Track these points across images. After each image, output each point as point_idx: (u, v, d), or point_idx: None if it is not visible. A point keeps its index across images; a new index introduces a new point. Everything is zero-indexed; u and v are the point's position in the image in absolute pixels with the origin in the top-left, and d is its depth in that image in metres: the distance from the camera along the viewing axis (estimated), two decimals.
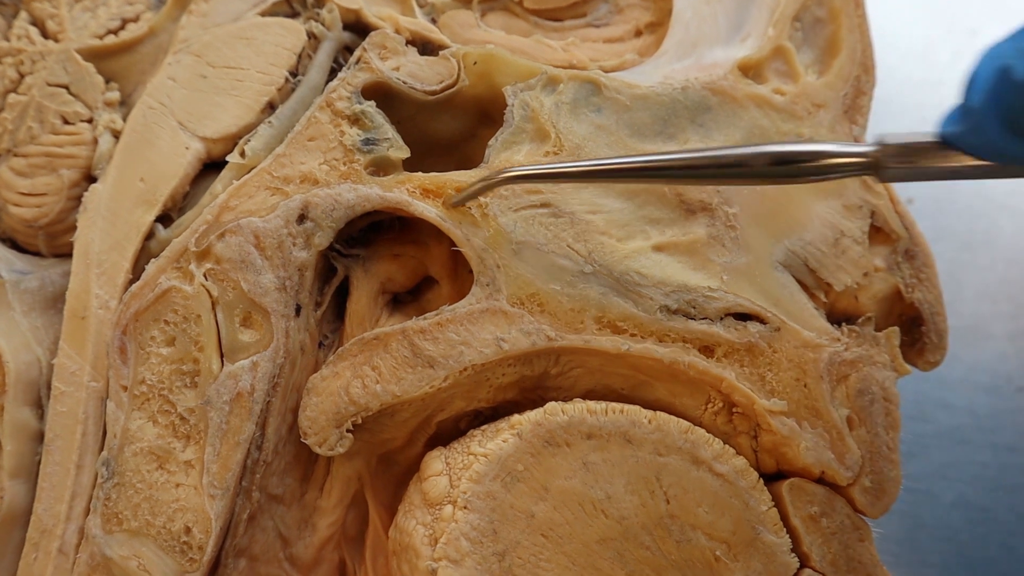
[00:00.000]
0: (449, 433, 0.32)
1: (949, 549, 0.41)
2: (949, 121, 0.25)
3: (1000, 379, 0.44)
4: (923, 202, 0.46)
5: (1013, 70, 0.23)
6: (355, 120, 0.32)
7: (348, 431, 0.30)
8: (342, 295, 0.32)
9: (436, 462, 0.30)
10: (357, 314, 0.32)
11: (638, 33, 0.36)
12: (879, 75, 0.48)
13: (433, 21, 0.35)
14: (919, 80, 0.48)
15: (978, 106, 0.24)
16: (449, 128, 0.34)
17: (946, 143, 0.25)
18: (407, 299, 0.33)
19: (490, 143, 0.32)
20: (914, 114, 0.48)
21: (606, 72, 0.34)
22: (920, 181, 0.28)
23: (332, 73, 0.34)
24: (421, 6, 0.35)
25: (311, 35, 0.34)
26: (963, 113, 0.24)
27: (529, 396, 0.31)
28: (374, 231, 0.33)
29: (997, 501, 0.42)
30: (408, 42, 0.34)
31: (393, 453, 0.32)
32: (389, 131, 0.32)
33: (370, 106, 0.32)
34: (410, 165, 0.33)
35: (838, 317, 0.32)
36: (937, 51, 0.49)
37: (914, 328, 0.33)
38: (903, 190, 0.47)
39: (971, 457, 0.43)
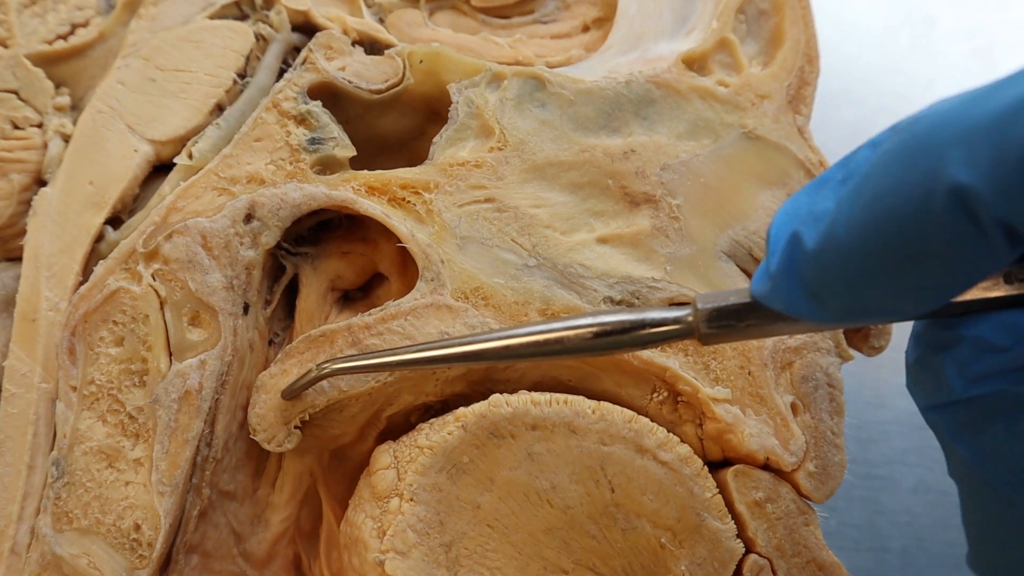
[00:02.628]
0: (400, 427, 0.32)
1: (909, 534, 0.42)
2: (757, 279, 0.24)
3: None
4: None
5: (803, 238, 0.22)
6: (301, 120, 0.32)
7: (296, 427, 0.30)
8: (293, 293, 0.33)
9: (384, 456, 0.30)
10: (306, 311, 0.32)
11: (585, 28, 0.37)
12: (837, 63, 0.49)
13: (381, 21, 0.36)
14: (877, 68, 0.49)
15: (775, 271, 0.23)
16: (398, 126, 0.34)
17: (756, 303, 0.24)
18: (357, 296, 0.33)
19: (435, 140, 0.32)
20: (872, 102, 0.48)
21: (552, 68, 0.35)
22: (740, 341, 0.28)
23: (281, 74, 0.34)
24: (369, 6, 0.36)
25: (259, 37, 0.34)
26: (766, 274, 0.24)
27: (478, 389, 0.32)
28: (323, 229, 0.33)
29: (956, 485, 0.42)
30: (356, 42, 0.34)
31: (345, 448, 0.32)
32: (335, 130, 0.32)
33: (316, 106, 0.32)
34: (360, 163, 0.34)
35: None
36: (895, 39, 0.49)
37: None
38: None
39: (931, 442, 0.42)
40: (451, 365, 0.29)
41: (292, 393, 0.30)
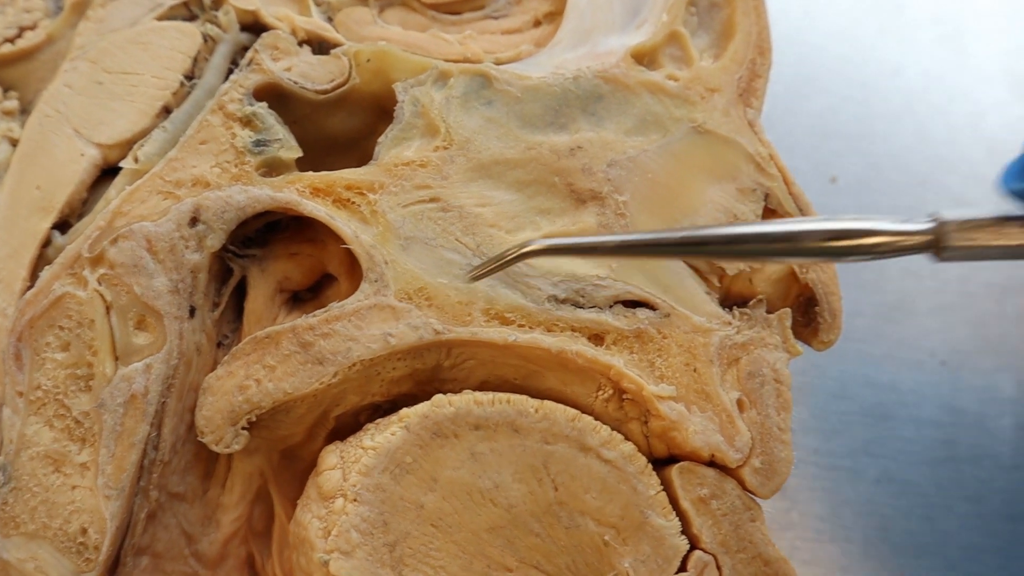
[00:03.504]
0: (349, 427, 0.32)
1: (872, 524, 0.42)
2: (1012, 176, 0.22)
3: (923, 354, 0.44)
4: (847, 180, 0.46)
5: None
6: (246, 122, 0.32)
7: (244, 428, 0.30)
8: (242, 295, 0.33)
9: (331, 456, 0.30)
10: (254, 313, 0.32)
11: (536, 23, 0.36)
12: (804, 52, 0.49)
13: (330, 20, 0.35)
14: (844, 56, 0.48)
15: None
16: (347, 125, 0.34)
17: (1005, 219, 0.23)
18: (307, 297, 0.34)
19: (380, 140, 0.32)
20: (840, 90, 0.48)
21: (502, 64, 0.35)
22: (983, 260, 0.27)
23: (230, 75, 0.34)
24: (318, 4, 0.36)
25: (207, 38, 0.34)
26: None
27: (425, 389, 0.32)
28: (272, 231, 0.33)
29: (920, 475, 0.42)
30: (304, 42, 0.34)
31: (295, 448, 0.32)
32: (280, 131, 0.32)
33: (261, 107, 0.32)
34: (310, 163, 0.34)
35: (733, 300, 0.33)
36: (862, 26, 0.49)
37: (809, 308, 0.33)
38: (826, 167, 0.47)
39: (894, 432, 0.43)
40: (666, 255, 0.28)
41: (484, 274, 0.29)
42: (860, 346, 0.44)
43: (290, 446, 0.32)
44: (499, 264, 0.29)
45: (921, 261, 0.45)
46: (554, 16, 0.36)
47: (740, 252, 0.27)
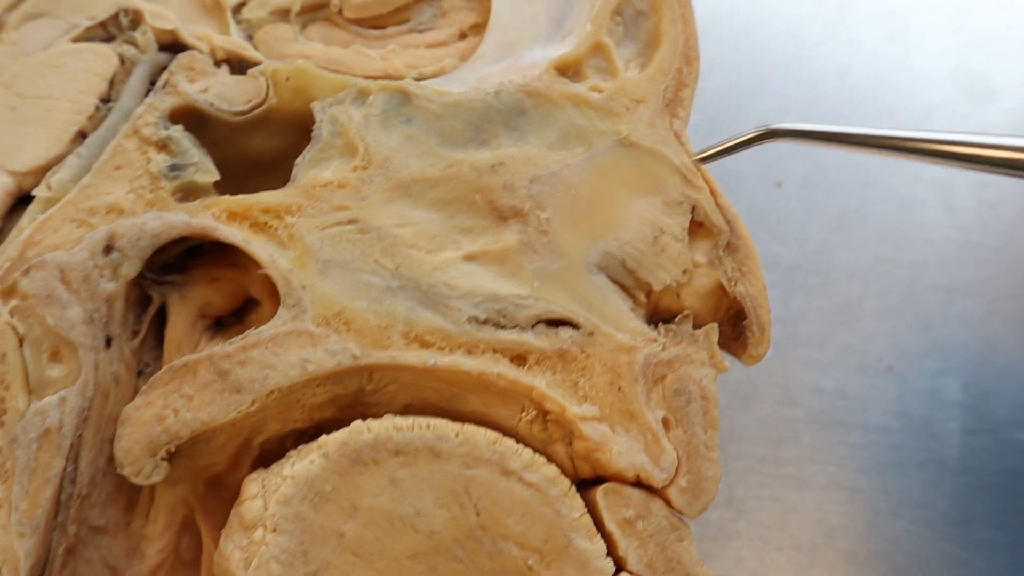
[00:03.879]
0: (275, 452, 0.32)
1: (820, 532, 0.41)
2: None
3: (870, 359, 0.44)
4: (792, 183, 0.46)
5: None
6: (162, 146, 0.32)
7: (163, 459, 0.30)
8: (163, 322, 0.32)
9: (253, 485, 0.30)
10: (175, 341, 0.32)
11: (462, 36, 0.36)
12: (751, 53, 0.48)
13: (250, 38, 0.35)
14: (791, 56, 0.48)
15: None
16: (268, 145, 0.34)
17: None
18: (231, 321, 0.33)
19: (297, 161, 0.32)
20: (787, 91, 0.48)
21: (426, 79, 0.34)
22: None
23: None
24: (238, 22, 0.35)
25: (124, 59, 0.34)
26: None
27: (349, 413, 0.31)
28: (192, 256, 0.33)
29: (867, 482, 0.42)
30: (224, 61, 0.34)
31: (220, 476, 0.32)
32: (196, 155, 0.32)
33: (177, 130, 0.32)
34: (233, 184, 0.33)
35: (662, 315, 0.32)
36: (808, 26, 0.48)
37: (738, 322, 0.33)
38: (771, 171, 0.46)
39: (841, 439, 0.43)
40: (909, 156, 0.27)
41: (709, 157, 0.29)
42: (806, 352, 0.44)
43: (215, 474, 0.32)
44: (736, 144, 0.29)
45: (867, 263, 0.45)
46: (480, 28, 0.36)
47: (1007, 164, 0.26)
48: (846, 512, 0.42)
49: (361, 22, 0.36)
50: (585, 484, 0.31)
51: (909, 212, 0.45)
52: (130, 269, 0.30)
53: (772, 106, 0.47)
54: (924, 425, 0.43)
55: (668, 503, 0.30)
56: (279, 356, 0.30)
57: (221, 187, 0.33)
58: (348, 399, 0.31)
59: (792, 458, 0.42)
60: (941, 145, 0.27)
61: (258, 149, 0.34)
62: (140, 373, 0.32)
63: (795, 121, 0.47)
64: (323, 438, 0.29)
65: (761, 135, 0.27)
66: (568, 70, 0.34)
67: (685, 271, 0.32)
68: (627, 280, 0.32)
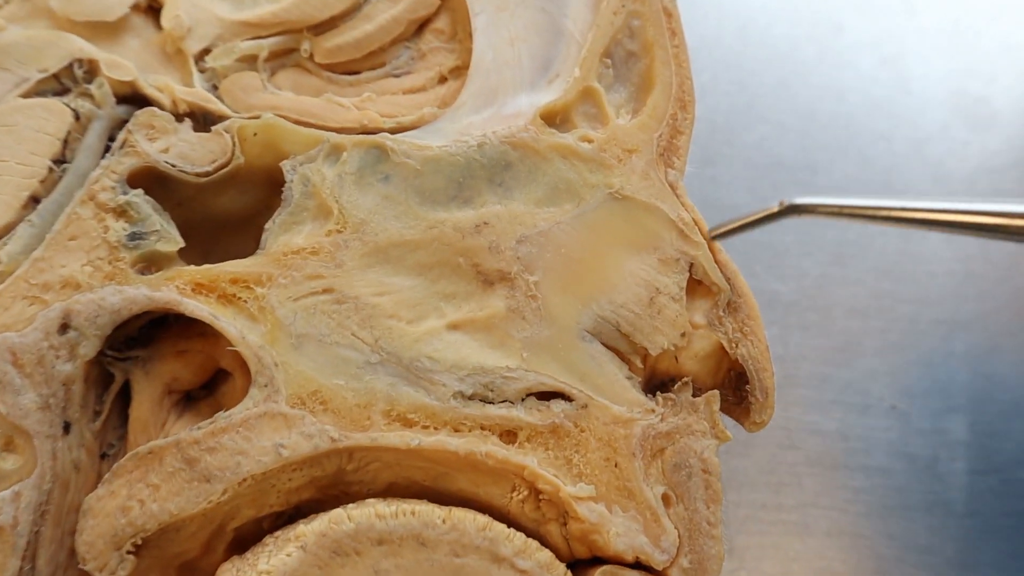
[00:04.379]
0: (252, 535, 0.30)
1: None
2: None
3: (872, 398, 0.42)
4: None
5: None
6: (120, 212, 0.29)
7: (129, 552, 0.28)
8: (127, 400, 0.30)
9: None
10: (140, 421, 0.30)
11: (442, 80, 0.34)
12: (741, 78, 0.46)
13: (215, 88, 0.33)
14: (783, 83, 0.46)
15: None
16: (238, 204, 0.32)
17: None
18: (202, 395, 0.31)
19: (267, 226, 0.30)
20: (780, 118, 0.46)
21: (404, 129, 0.32)
22: None
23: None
24: (202, 71, 0.33)
25: (79, 115, 0.31)
26: None
27: (330, 493, 0.29)
28: (157, 327, 0.30)
29: (871, 527, 0.41)
30: (187, 114, 0.32)
31: (194, 562, 0.30)
32: (158, 222, 0.29)
33: (137, 195, 0.30)
34: (201, 247, 0.31)
35: (660, 379, 0.31)
36: (801, 52, 0.47)
37: (741, 385, 0.31)
38: (765, 203, 0.45)
39: (844, 482, 0.41)
40: (938, 229, 0.27)
41: (731, 232, 0.28)
42: (806, 392, 0.42)
43: (187, 560, 0.30)
44: (755, 221, 0.28)
45: (867, 299, 0.44)
46: (461, 71, 0.34)
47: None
48: (850, 559, 0.41)
49: (333, 67, 0.34)
50: (582, 564, 0.29)
51: (909, 244, 0.44)
52: (88, 349, 0.28)
53: (765, 134, 0.45)
54: (928, 466, 0.42)
55: None
56: (251, 441, 0.28)
57: (188, 250, 0.31)
58: (327, 480, 0.29)
59: (794, 504, 0.41)
60: (970, 216, 0.25)
61: (227, 208, 0.32)
62: (104, 456, 0.30)
63: (788, 151, 0.46)
64: (300, 528, 0.27)
65: (782, 211, 0.26)
66: (555, 118, 0.32)
67: (684, 334, 0.30)
68: (622, 345, 0.30)
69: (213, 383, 0.31)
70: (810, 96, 0.46)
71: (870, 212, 0.26)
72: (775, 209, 0.26)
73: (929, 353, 0.43)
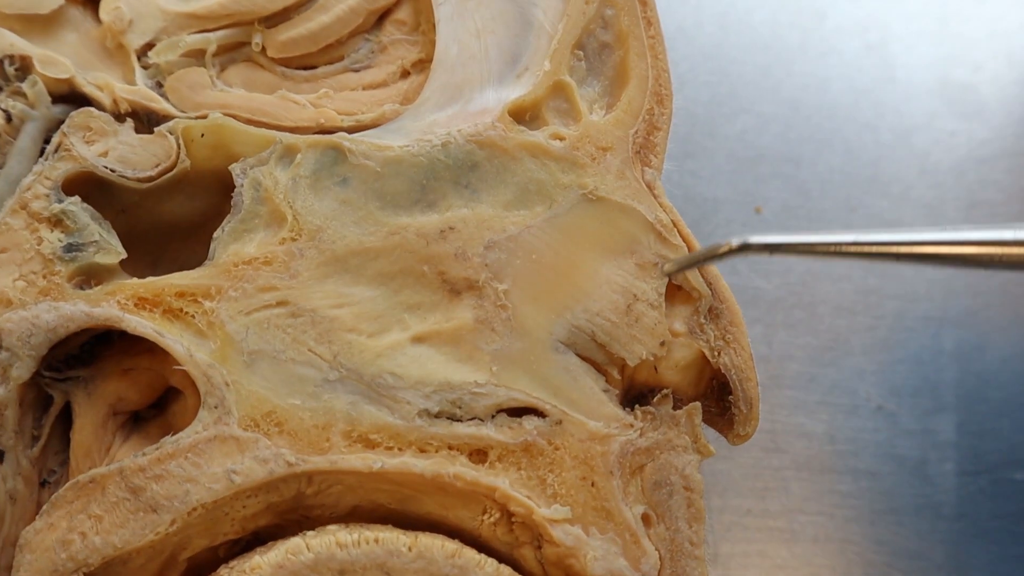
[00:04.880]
0: (207, 563, 0.28)
1: None
2: None
3: (859, 399, 0.41)
4: (771, 209, 0.43)
5: None
6: (55, 222, 0.27)
7: None
8: (70, 422, 0.28)
9: None
10: (82, 445, 0.28)
11: (404, 74, 0.32)
12: (722, 68, 0.44)
13: (160, 85, 0.30)
14: (765, 72, 0.44)
15: None
16: (187, 209, 0.30)
17: None
18: (151, 415, 0.29)
19: (215, 235, 0.28)
20: (763, 108, 0.44)
21: (363, 127, 0.30)
22: None
23: None
24: (145, 68, 0.30)
25: (11, 116, 0.29)
26: None
27: (289, 518, 0.28)
28: (101, 343, 0.28)
29: (860, 532, 0.39)
30: (130, 114, 0.29)
31: None
32: (96, 232, 0.27)
33: (73, 203, 0.27)
34: (148, 256, 0.29)
35: (639, 391, 0.29)
36: (783, 39, 0.45)
37: (723, 396, 0.29)
38: (748, 197, 0.43)
39: (831, 487, 0.40)
40: (898, 262, 0.25)
41: (678, 269, 0.27)
42: (792, 393, 0.41)
43: None
44: (702, 259, 0.27)
45: (853, 295, 0.42)
46: (424, 65, 0.32)
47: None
48: (838, 566, 0.39)
49: (288, 62, 0.31)
50: None
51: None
52: (22, 371, 0.26)
53: (747, 126, 0.43)
54: (917, 468, 0.40)
55: None
56: (201, 468, 0.26)
57: (134, 261, 0.28)
58: (286, 505, 0.27)
59: (779, 510, 0.39)
60: (930, 247, 0.24)
61: (175, 215, 0.29)
62: (44, 484, 0.28)
63: (771, 143, 0.44)
64: (256, 560, 0.25)
65: (732, 250, 0.25)
66: (525, 115, 0.30)
67: (663, 343, 0.28)
68: (598, 356, 0.28)
69: (163, 402, 0.29)
70: (793, 85, 0.44)
71: (827, 248, 0.25)
72: (725, 248, 0.25)
73: (917, 351, 0.41)
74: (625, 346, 0.28)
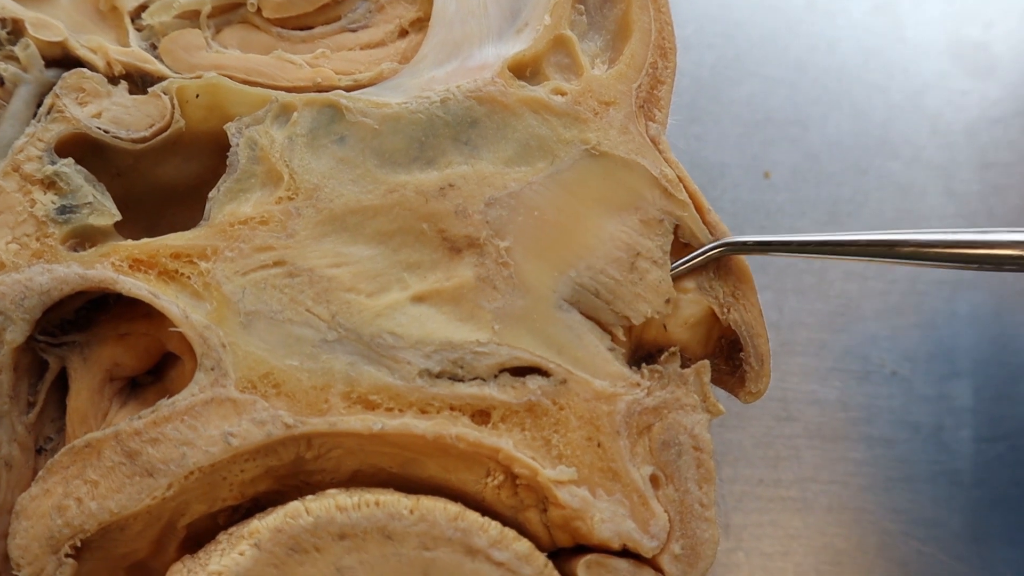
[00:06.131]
0: (207, 530, 0.27)
1: (825, 558, 0.38)
2: None
3: (872, 364, 0.40)
4: (780, 174, 0.42)
5: None
6: (49, 184, 0.27)
7: (68, 555, 0.25)
8: (66, 387, 0.28)
9: None
10: (78, 411, 0.27)
11: (402, 33, 0.31)
12: (727, 31, 0.44)
13: (154, 47, 0.30)
14: (772, 34, 0.43)
15: None
16: (183, 172, 0.29)
17: None
18: (148, 381, 0.29)
19: (211, 195, 0.27)
20: (769, 72, 0.43)
21: (361, 87, 0.29)
22: None
23: None
24: (139, 29, 0.30)
25: (2, 79, 0.28)
26: None
27: (289, 483, 0.27)
28: (97, 308, 0.28)
29: (874, 501, 0.39)
30: (123, 76, 0.29)
31: (145, 561, 0.27)
32: (90, 193, 0.27)
33: (67, 165, 0.27)
34: (145, 221, 0.29)
35: (647, 350, 0.28)
36: (790, 0, 0.44)
37: (733, 354, 0.29)
38: (757, 161, 0.42)
39: (845, 454, 0.39)
40: (873, 261, 0.27)
41: (678, 273, 0.28)
42: (803, 360, 0.40)
43: (136, 561, 0.27)
44: (687, 263, 0.28)
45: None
46: (422, 24, 0.31)
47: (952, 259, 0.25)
48: (852, 535, 0.38)
49: (284, 22, 0.31)
50: (564, 553, 0.27)
51: (908, 200, 0.41)
52: (16, 334, 0.26)
53: (754, 89, 0.42)
54: (933, 435, 0.39)
55: (661, 573, 0.26)
56: (197, 430, 0.25)
57: (130, 225, 0.28)
58: (285, 470, 0.27)
59: (792, 479, 0.39)
60: (912, 248, 0.25)
61: (171, 178, 0.29)
62: (40, 450, 0.27)
63: (779, 106, 0.43)
64: (255, 524, 0.25)
65: (714, 250, 0.26)
66: (525, 70, 0.29)
67: (668, 300, 0.28)
68: (603, 314, 0.28)
69: (161, 368, 0.29)
70: (800, 47, 0.43)
71: (808, 247, 0.26)
72: (706, 250, 0.26)
73: (931, 315, 0.40)
74: (629, 304, 0.27)
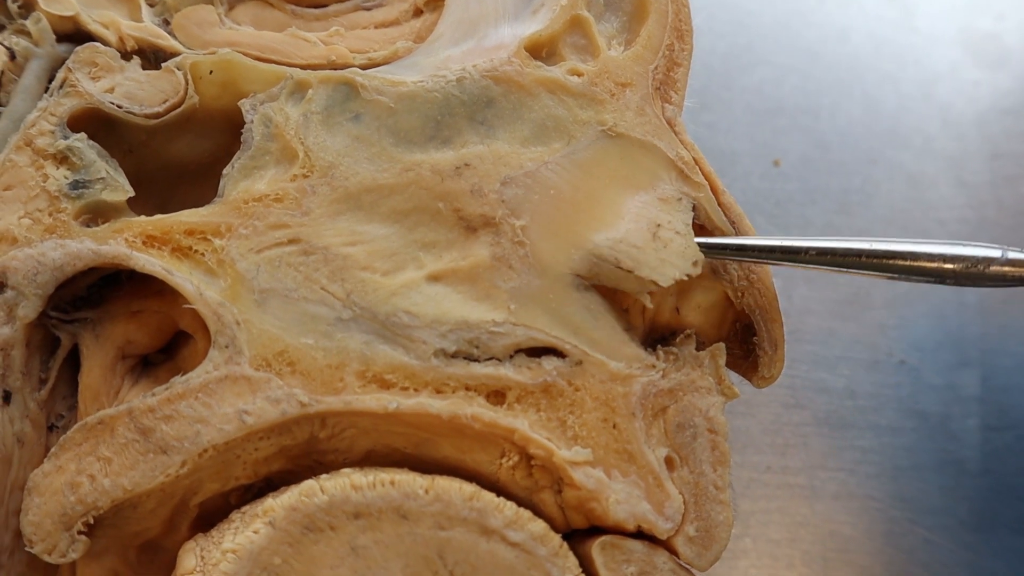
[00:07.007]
0: (219, 509, 0.27)
1: (832, 545, 0.38)
2: None
3: (880, 353, 0.40)
4: (790, 162, 0.42)
5: None
6: (61, 159, 0.26)
7: (81, 532, 0.25)
8: (78, 365, 0.27)
9: (189, 557, 0.25)
10: (91, 389, 0.27)
11: (417, 12, 0.31)
12: (740, 19, 0.43)
13: (167, 23, 0.30)
14: (784, 23, 0.43)
15: None
16: (196, 149, 0.29)
17: None
18: (159, 360, 0.28)
19: (225, 171, 0.27)
20: (781, 60, 0.43)
21: (376, 65, 0.29)
22: None
23: None
24: (151, 5, 0.30)
25: (14, 54, 0.28)
26: None
27: (302, 463, 0.27)
28: (109, 285, 0.28)
29: (881, 488, 0.39)
30: (136, 52, 0.29)
31: (157, 539, 0.27)
32: (103, 168, 0.27)
33: (79, 139, 0.27)
34: (157, 198, 0.29)
35: (661, 332, 0.28)
36: None
37: (747, 338, 0.29)
38: (767, 149, 0.42)
39: (852, 442, 0.39)
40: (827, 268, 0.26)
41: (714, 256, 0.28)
42: (812, 348, 0.40)
43: (148, 540, 0.27)
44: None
45: None
46: (437, 3, 0.31)
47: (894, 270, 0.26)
48: (859, 523, 0.38)
49: (298, 0, 0.31)
50: (579, 535, 0.27)
51: (918, 189, 0.41)
52: (28, 310, 0.25)
53: (765, 77, 0.42)
54: (940, 424, 0.39)
55: (675, 554, 0.26)
56: (211, 408, 0.25)
57: (142, 201, 0.28)
58: (299, 449, 0.27)
59: (800, 466, 0.39)
60: (882, 259, 0.25)
61: (184, 155, 0.29)
62: (52, 428, 0.27)
63: (789, 94, 0.43)
64: (269, 502, 0.25)
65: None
66: (542, 50, 0.29)
67: (695, 262, 0.27)
68: (626, 283, 0.27)
69: (173, 347, 0.29)
70: (812, 36, 0.43)
71: (767, 251, 0.26)
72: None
73: (940, 304, 0.40)
74: (655, 269, 0.27)
